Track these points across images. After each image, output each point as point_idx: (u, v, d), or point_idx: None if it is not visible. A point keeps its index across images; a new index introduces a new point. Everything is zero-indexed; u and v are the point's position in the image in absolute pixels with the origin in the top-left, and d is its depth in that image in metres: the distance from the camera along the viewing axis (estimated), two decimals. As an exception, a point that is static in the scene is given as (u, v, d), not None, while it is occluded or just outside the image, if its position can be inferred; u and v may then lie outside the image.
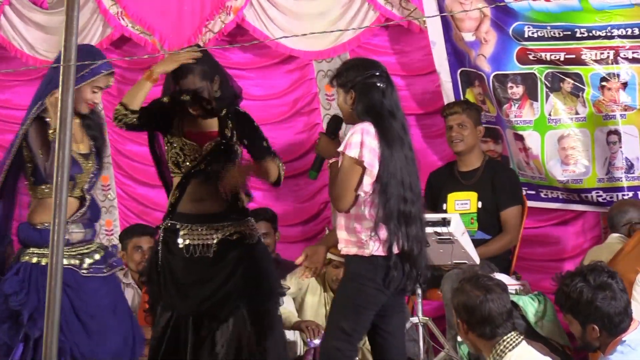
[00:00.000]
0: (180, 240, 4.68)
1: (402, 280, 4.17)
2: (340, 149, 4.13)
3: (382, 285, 4.10)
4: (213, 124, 4.74)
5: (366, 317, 4.14)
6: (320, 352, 4.28)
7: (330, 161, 4.26)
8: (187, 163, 4.69)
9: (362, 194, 4.09)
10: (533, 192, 6.23)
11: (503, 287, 3.74)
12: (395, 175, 4.08)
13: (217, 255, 4.65)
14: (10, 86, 7.54)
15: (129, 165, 7.14)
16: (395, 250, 4.10)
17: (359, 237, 4.12)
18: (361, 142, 4.06)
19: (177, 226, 4.70)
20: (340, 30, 6.44)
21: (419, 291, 5.08)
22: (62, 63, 3.46)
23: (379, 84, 4.17)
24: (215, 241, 4.67)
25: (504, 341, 3.64)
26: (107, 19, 7.00)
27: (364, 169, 4.07)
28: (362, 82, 4.17)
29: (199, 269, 4.65)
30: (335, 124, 4.38)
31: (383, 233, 4.08)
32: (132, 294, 6.19)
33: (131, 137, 6.77)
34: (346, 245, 4.19)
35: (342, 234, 4.20)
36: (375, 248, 4.09)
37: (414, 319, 5.09)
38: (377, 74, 4.21)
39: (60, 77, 3.45)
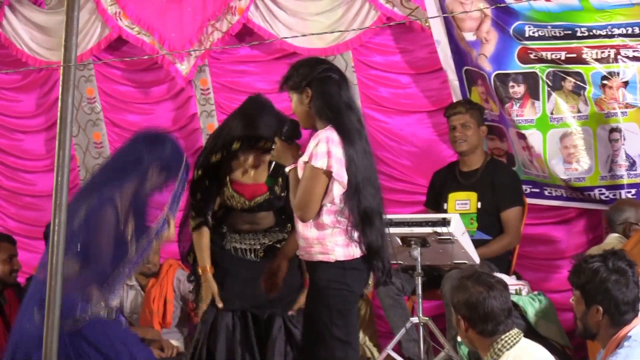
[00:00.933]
0: (226, 244, 4.78)
1: (367, 279, 4.16)
2: (305, 159, 4.00)
3: (352, 288, 4.02)
4: (262, 176, 4.76)
5: (353, 316, 4.07)
6: None
7: (289, 167, 4.13)
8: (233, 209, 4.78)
9: (329, 205, 3.97)
10: (537, 190, 6.22)
11: (504, 284, 3.72)
12: (363, 175, 3.98)
13: (264, 260, 4.70)
14: (9, 98, 7.58)
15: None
16: (362, 252, 4.02)
17: (323, 244, 4.00)
18: (328, 151, 3.94)
19: (224, 230, 4.80)
20: (340, 31, 6.45)
21: (419, 291, 5.06)
22: (62, 63, 3.47)
23: (334, 76, 4.07)
24: (261, 247, 4.78)
25: (502, 339, 3.62)
26: (105, 19, 6.99)
27: (329, 178, 3.95)
28: (317, 78, 4.06)
29: (250, 270, 4.71)
30: (292, 128, 4.20)
31: (349, 237, 3.98)
32: (134, 295, 6.19)
33: (127, 135, 6.77)
34: (307, 252, 4.07)
35: (301, 242, 4.08)
36: (339, 253, 3.98)
37: (414, 319, 5.07)
38: (329, 67, 4.13)
39: (61, 77, 3.47)
